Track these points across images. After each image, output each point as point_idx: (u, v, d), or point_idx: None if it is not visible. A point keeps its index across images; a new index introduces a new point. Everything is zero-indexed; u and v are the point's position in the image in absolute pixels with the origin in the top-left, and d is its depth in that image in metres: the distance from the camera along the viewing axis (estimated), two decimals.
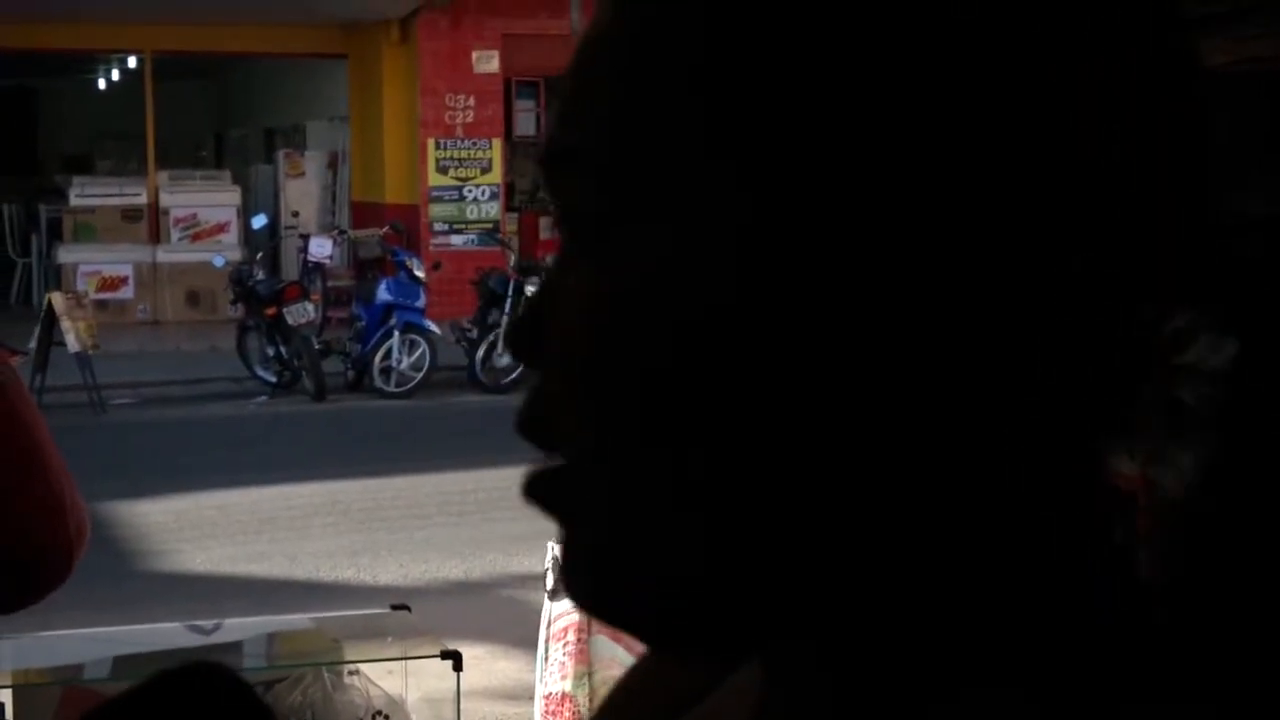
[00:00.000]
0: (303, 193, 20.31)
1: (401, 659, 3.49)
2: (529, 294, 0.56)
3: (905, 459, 0.51)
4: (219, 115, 26.56)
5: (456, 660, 3.41)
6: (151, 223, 19.26)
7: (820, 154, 0.50)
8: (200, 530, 9.07)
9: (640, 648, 0.61)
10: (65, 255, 18.74)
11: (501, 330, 13.13)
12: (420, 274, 14.59)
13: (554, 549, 3.37)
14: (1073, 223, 0.50)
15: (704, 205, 0.51)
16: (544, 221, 17.69)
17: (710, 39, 0.52)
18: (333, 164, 20.61)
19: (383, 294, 14.33)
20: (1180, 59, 0.54)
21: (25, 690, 3.27)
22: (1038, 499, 0.52)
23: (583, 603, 0.55)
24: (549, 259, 0.58)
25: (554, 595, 3.93)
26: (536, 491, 0.55)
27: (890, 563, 0.52)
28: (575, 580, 0.55)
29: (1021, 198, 0.50)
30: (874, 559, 0.52)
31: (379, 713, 3.26)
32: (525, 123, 18.77)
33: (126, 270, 18.76)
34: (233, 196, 19.88)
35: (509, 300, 13.87)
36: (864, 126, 0.50)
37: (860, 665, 0.54)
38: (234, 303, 15.12)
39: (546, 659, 3.91)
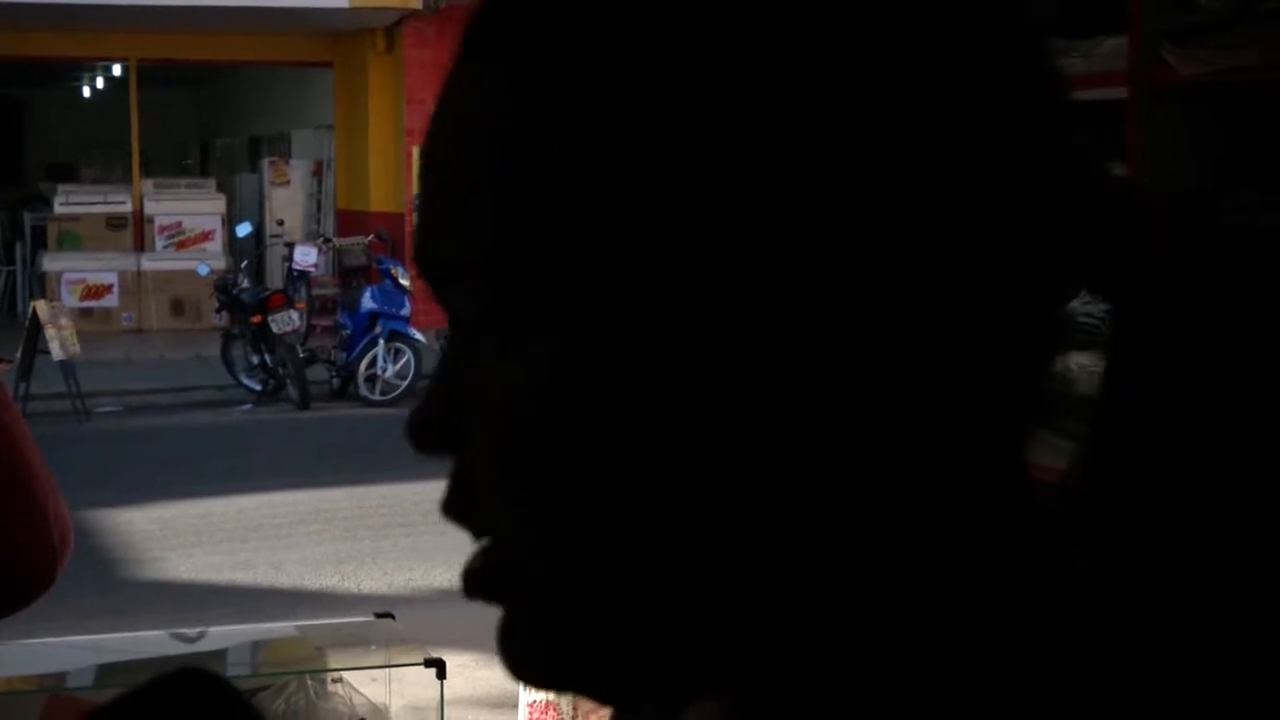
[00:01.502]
0: (288, 201, 20.28)
1: (386, 667, 3.48)
2: (426, 386, 0.55)
3: (829, 499, 0.51)
4: (204, 123, 26.52)
5: (440, 668, 3.41)
6: (136, 231, 19.22)
7: (714, 235, 0.50)
8: (184, 538, 9.05)
9: None
10: (50, 263, 18.68)
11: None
12: (405, 282, 14.57)
13: None
14: (967, 224, 0.50)
15: (599, 305, 0.51)
16: None
17: (583, 131, 0.51)
18: (318, 172, 20.59)
19: (368, 302, 14.31)
20: (1034, 57, 0.54)
21: (8, 698, 3.26)
22: (971, 509, 0.53)
23: (526, 679, 0.56)
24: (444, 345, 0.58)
25: None
26: (473, 582, 0.56)
27: (823, 596, 0.52)
28: (517, 660, 0.56)
29: (916, 209, 0.50)
30: (806, 596, 0.52)
31: None
32: None
33: (111, 278, 18.71)
34: (218, 205, 19.83)
35: None
36: (756, 198, 0.50)
37: (805, 694, 0.54)
38: (219, 311, 15.10)
39: None
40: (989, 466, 0.53)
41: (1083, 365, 0.56)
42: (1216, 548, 0.51)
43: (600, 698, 0.55)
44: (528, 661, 0.55)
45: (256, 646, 3.77)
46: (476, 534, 0.55)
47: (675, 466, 0.51)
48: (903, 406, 0.51)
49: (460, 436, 0.55)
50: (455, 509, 0.56)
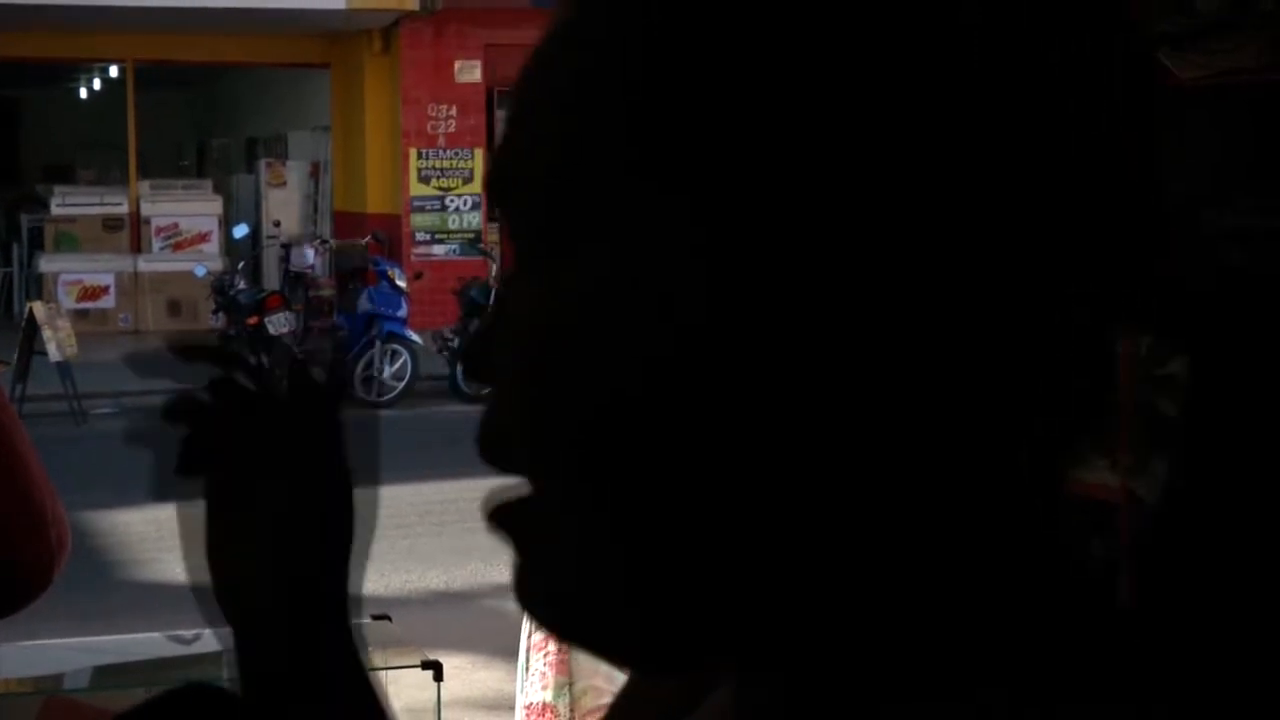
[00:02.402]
0: (285, 202, 20.27)
1: (382, 669, 3.48)
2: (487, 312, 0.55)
3: (871, 481, 0.51)
4: (201, 125, 26.51)
5: (437, 670, 3.42)
6: (133, 232, 19.22)
7: (776, 179, 0.50)
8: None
9: None
10: (46, 265, 18.68)
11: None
12: (402, 284, 14.57)
13: None
14: (1032, 241, 0.50)
15: (656, 231, 0.51)
16: None
17: (656, 67, 0.52)
18: (315, 173, 20.58)
19: (364, 304, 14.31)
20: (1140, 75, 0.53)
21: (5, 700, 3.26)
22: (998, 516, 0.53)
23: (542, 618, 0.56)
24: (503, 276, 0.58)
25: None
26: (501, 519, 0.56)
27: (851, 581, 0.52)
28: (536, 604, 0.56)
29: (982, 212, 0.50)
30: (835, 578, 0.52)
31: None
32: None
33: (108, 280, 18.71)
34: (214, 206, 19.83)
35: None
36: (818, 148, 0.50)
37: (822, 678, 0.54)
38: (215, 312, 15.09)
39: (527, 669, 3.90)
40: (1018, 475, 0.53)
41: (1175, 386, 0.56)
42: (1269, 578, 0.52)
43: (608, 654, 0.55)
44: (547, 600, 0.55)
45: None
46: (509, 472, 0.55)
47: (705, 427, 0.51)
48: (937, 404, 0.51)
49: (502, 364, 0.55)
50: (488, 448, 0.55)
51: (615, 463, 0.52)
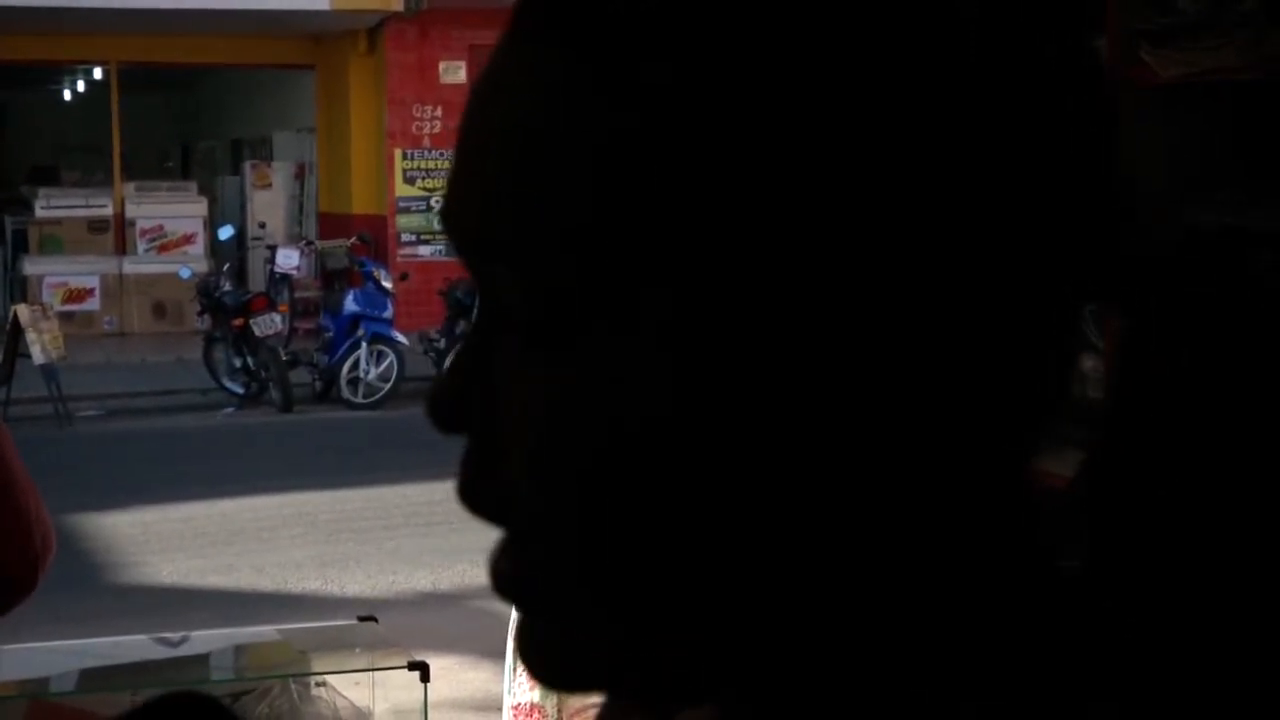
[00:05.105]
0: (270, 204, 20.25)
1: (369, 670, 3.48)
2: (449, 363, 0.55)
3: (844, 505, 0.52)
4: (186, 126, 26.46)
5: (424, 671, 3.41)
6: (118, 234, 19.18)
7: (747, 265, 0.50)
8: (167, 542, 9.04)
9: None
10: (31, 267, 18.64)
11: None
12: (388, 285, 14.56)
13: None
14: (991, 235, 0.51)
15: (638, 321, 0.51)
16: None
17: (647, 139, 0.51)
18: (300, 175, 20.56)
19: (350, 305, 14.29)
20: (1088, 66, 0.54)
21: None
22: (968, 523, 0.53)
23: (548, 682, 0.56)
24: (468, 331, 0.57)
25: None
26: (501, 582, 0.56)
27: (828, 608, 0.53)
28: (542, 663, 0.57)
29: (941, 210, 0.50)
30: (812, 608, 0.53)
31: None
32: None
33: (93, 282, 18.67)
34: (199, 208, 19.80)
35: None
36: (782, 145, 0.50)
37: (800, 701, 0.55)
38: (201, 314, 15.07)
39: (515, 669, 3.90)
40: (991, 476, 0.54)
41: (1089, 369, 0.56)
42: (1213, 550, 0.52)
43: (606, 693, 0.57)
44: (552, 665, 0.56)
45: (239, 650, 3.77)
46: (497, 523, 0.56)
47: (699, 488, 0.52)
48: (912, 426, 0.51)
49: (478, 419, 0.55)
50: (473, 496, 0.56)
51: (619, 526, 0.53)
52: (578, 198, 0.51)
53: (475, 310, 0.57)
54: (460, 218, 0.55)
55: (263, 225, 19.68)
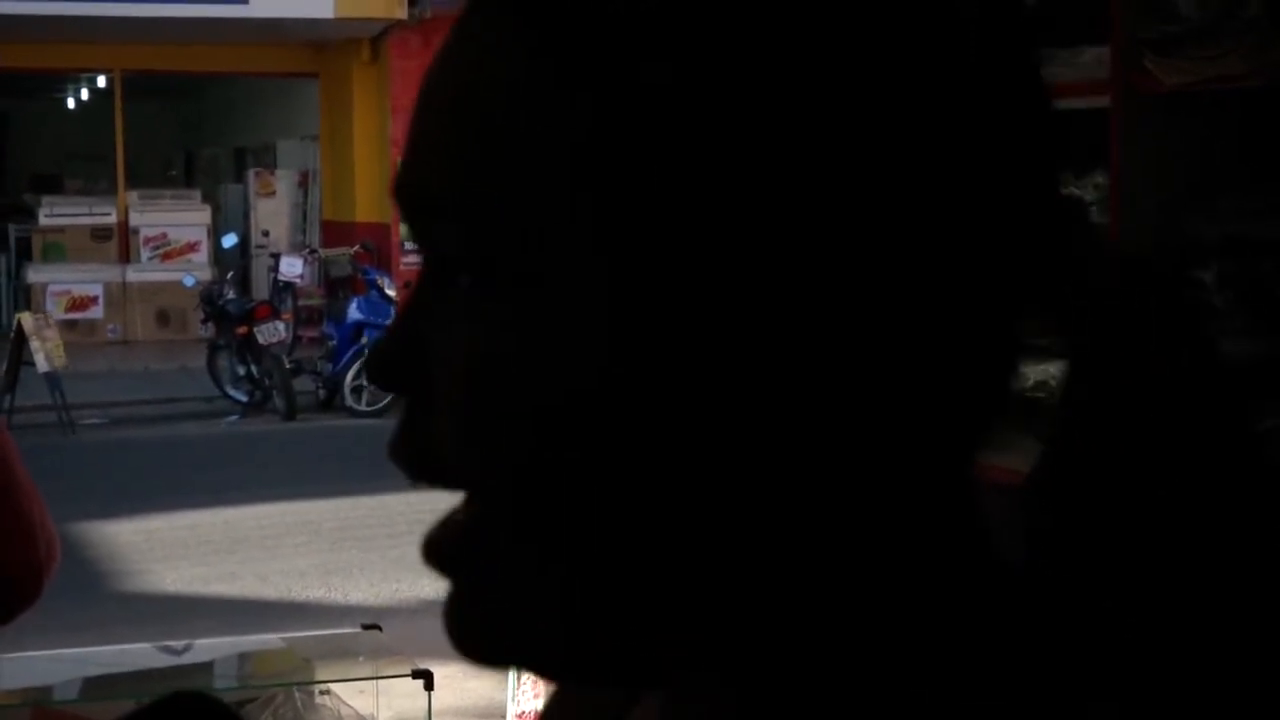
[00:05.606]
0: (273, 212, 20.27)
1: (373, 678, 3.48)
2: (390, 323, 0.55)
3: (779, 494, 0.52)
4: (189, 134, 26.49)
5: (428, 679, 3.41)
6: (121, 242, 19.19)
7: (686, 231, 0.51)
8: (171, 550, 9.04)
9: None
10: (34, 275, 18.65)
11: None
12: (391, 293, 14.57)
13: None
14: (935, 239, 0.51)
15: (583, 284, 0.51)
16: None
17: (595, 113, 0.51)
18: (303, 183, 20.57)
19: (354, 313, 14.31)
20: (1031, 80, 0.54)
21: None
22: (914, 510, 0.54)
23: (473, 653, 0.56)
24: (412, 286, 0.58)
25: None
26: (432, 552, 0.56)
27: (774, 588, 0.53)
28: (468, 632, 0.56)
29: (885, 215, 0.51)
30: (756, 587, 0.53)
31: None
32: None
33: (96, 290, 18.68)
34: (203, 216, 19.82)
35: None
36: (724, 190, 0.50)
37: (748, 684, 0.55)
38: (204, 322, 15.08)
39: (519, 678, 3.90)
40: (937, 470, 0.54)
41: (1051, 375, 0.57)
42: (1151, 549, 0.52)
43: (547, 675, 0.56)
44: (480, 634, 0.55)
45: (243, 659, 3.77)
46: (431, 484, 0.55)
47: (642, 451, 0.51)
48: (859, 407, 0.51)
49: (420, 378, 0.55)
50: (405, 455, 0.55)
51: (552, 486, 0.52)
52: (528, 167, 0.52)
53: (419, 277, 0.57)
54: (409, 186, 0.56)
55: (266, 233, 19.69)
